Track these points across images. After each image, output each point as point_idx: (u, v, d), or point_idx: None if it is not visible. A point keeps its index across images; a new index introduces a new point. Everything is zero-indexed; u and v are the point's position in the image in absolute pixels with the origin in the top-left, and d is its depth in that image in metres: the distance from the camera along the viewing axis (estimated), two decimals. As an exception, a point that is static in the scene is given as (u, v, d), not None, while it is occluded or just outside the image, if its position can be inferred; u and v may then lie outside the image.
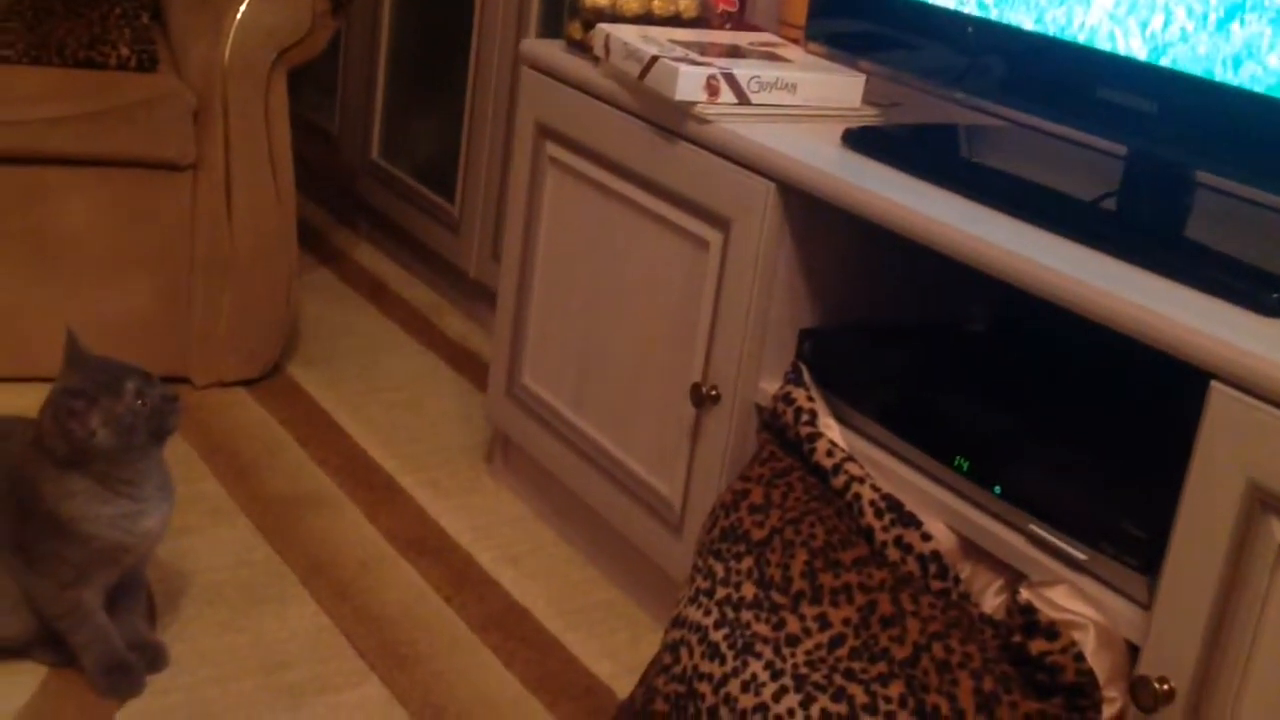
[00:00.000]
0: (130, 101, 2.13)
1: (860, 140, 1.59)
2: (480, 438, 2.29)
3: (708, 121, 1.63)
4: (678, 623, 1.46)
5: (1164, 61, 1.34)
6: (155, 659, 1.64)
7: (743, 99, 1.65)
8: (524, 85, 1.96)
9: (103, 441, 1.50)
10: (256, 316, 2.32)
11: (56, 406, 1.50)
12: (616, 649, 1.81)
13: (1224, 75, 1.29)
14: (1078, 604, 1.25)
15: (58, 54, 2.18)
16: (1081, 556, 1.28)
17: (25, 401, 1.69)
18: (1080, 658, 1.21)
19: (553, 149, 1.91)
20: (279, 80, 2.24)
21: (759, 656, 1.35)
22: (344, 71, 3.03)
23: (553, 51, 1.91)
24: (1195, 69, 1.31)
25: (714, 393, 1.65)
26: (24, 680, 1.59)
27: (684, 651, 1.42)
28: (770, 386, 1.62)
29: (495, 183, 2.56)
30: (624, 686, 1.72)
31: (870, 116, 1.73)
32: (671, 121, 1.68)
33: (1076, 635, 1.23)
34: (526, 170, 1.97)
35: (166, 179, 2.19)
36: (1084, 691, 1.21)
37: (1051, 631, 1.22)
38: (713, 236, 1.64)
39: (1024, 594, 1.26)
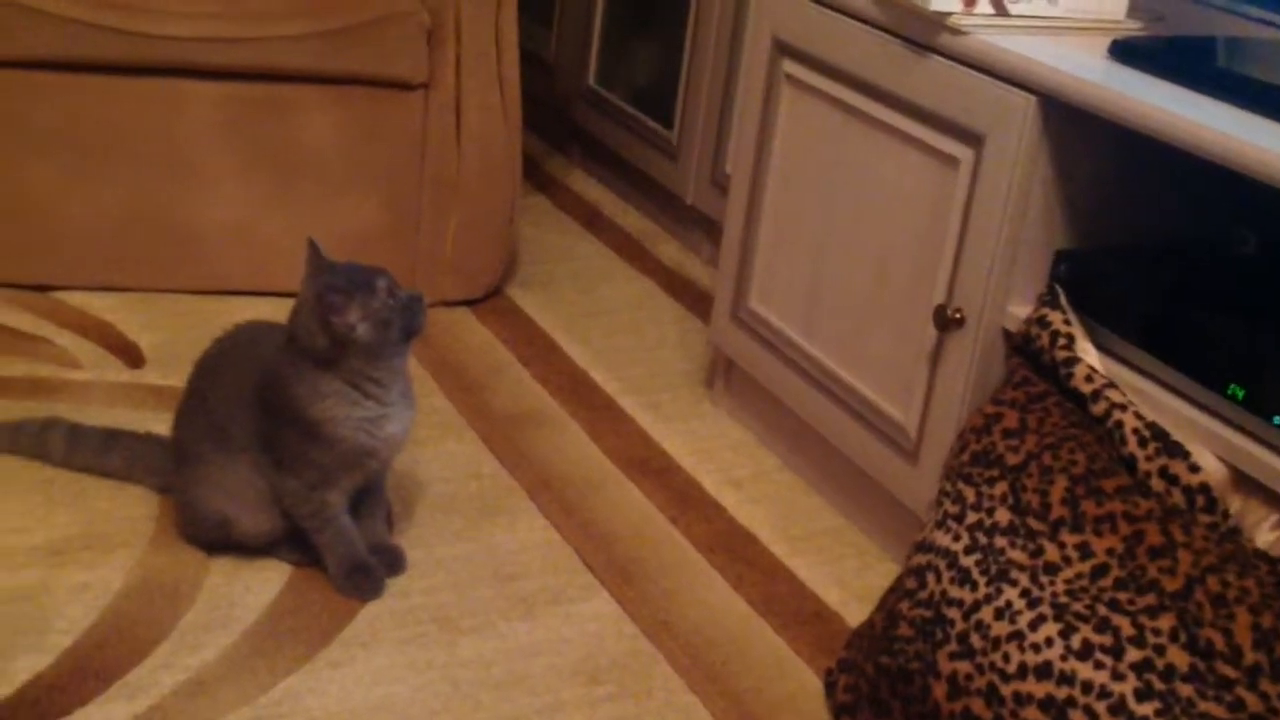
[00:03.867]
0: (366, 20, 2.16)
1: (1129, 52, 1.51)
2: (699, 363, 2.28)
3: (963, 33, 1.57)
4: (923, 547, 1.42)
5: None
6: (395, 563, 1.68)
7: (1000, 10, 1.58)
8: (760, 1, 1.92)
9: (362, 335, 1.53)
10: (480, 238, 2.34)
11: (317, 302, 1.53)
12: (844, 576, 1.78)
13: None
14: (1370, 541, 1.18)
15: (297, -27, 2.23)
16: (1374, 491, 1.20)
17: (261, 314, 1.74)
18: (1374, 597, 1.14)
19: (789, 66, 1.87)
20: (509, 1, 2.25)
21: (1014, 583, 1.30)
22: (562, -3, 3.03)
23: (792, -34, 1.87)
24: None
25: (959, 315, 1.60)
26: (270, 578, 1.64)
27: (930, 576, 1.39)
28: (1019, 310, 1.56)
29: (716, 108, 2.53)
30: (854, 613, 1.69)
31: (1135, 29, 1.64)
32: (923, 34, 1.62)
33: (1369, 573, 1.15)
34: (760, 89, 1.93)
35: (399, 98, 2.22)
36: (1377, 632, 1.14)
37: (1342, 568, 1.15)
38: (963, 154, 1.59)
39: (1312, 527, 1.19)
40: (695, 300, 2.50)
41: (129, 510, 1.73)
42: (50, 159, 2.15)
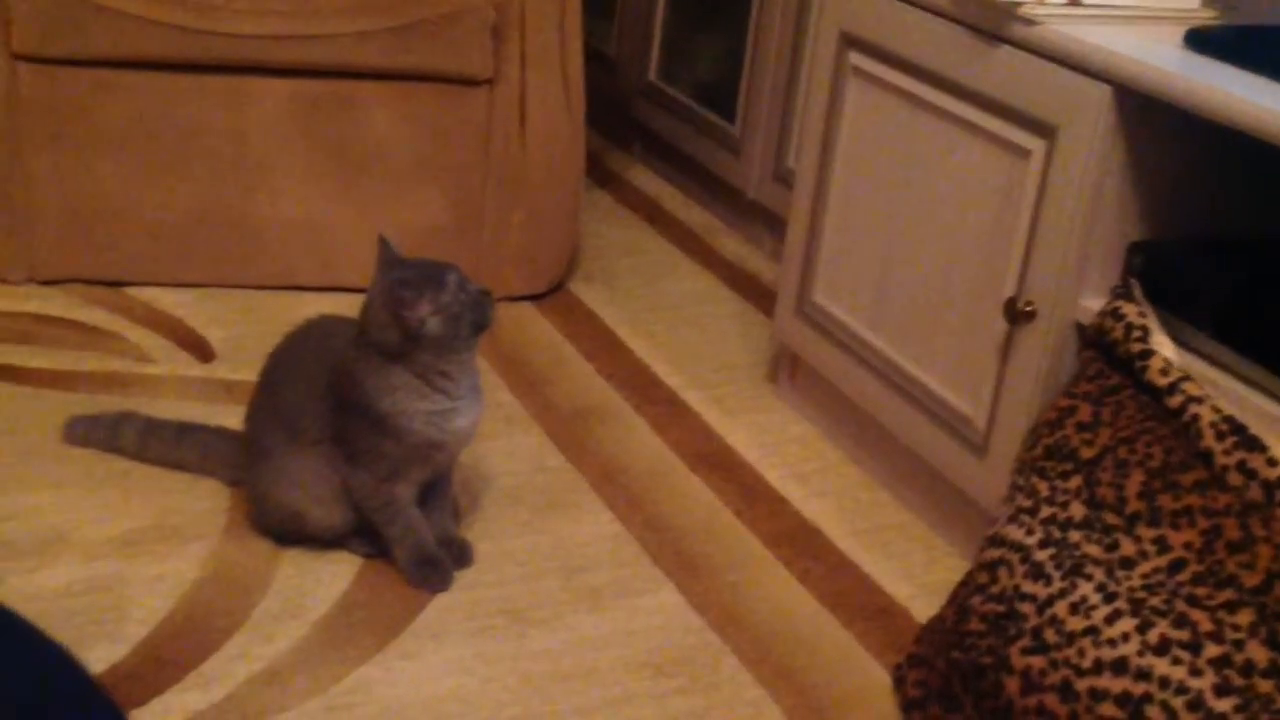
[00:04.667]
0: (432, 16, 2.17)
1: (1204, 41, 1.49)
2: (762, 357, 2.28)
3: (1035, 23, 1.56)
4: (995, 542, 1.41)
5: None
6: (462, 555, 1.69)
7: None
8: (828, -7, 1.91)
9: (433, 329, 1.54)
10: (544, 233, 2.35)
11: (388, 297, 1.54)
12: (912, 571, 1.77)
13: None
14: None
15: (363, -29, 2.24)
16: None
17: (328, 309, 1.74)
18: None
19: (856, 58, 1.86)
20: (574, -3, 2.26)
21: (1089, 578, 1.29)
22: (624, -8, 3.03)
23: (859, -42, 1.86)
24: None
25: (1029, 309, 1.59)
26: (341, 570, 1.66)
27: (1003, 571, 1.38)
28: (1092, 302, 1.54)
29: (779, 102, 2.52)
30: (921, 608, 1.68)
31: (1209, 18, 1.62)
32: (994, 24, 1.61)
33: None
34: (826, 82, 1.92)
35: (464, 94, 2.23)
36: None
37: None
38: (1035, 145, 1.57)
39: (1397, 522, 1.17)
40: (757, 294, 2.50)
41: (202, 502, 1.75)
42: (121, 157, 2.18)
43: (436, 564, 1.65)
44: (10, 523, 1.67)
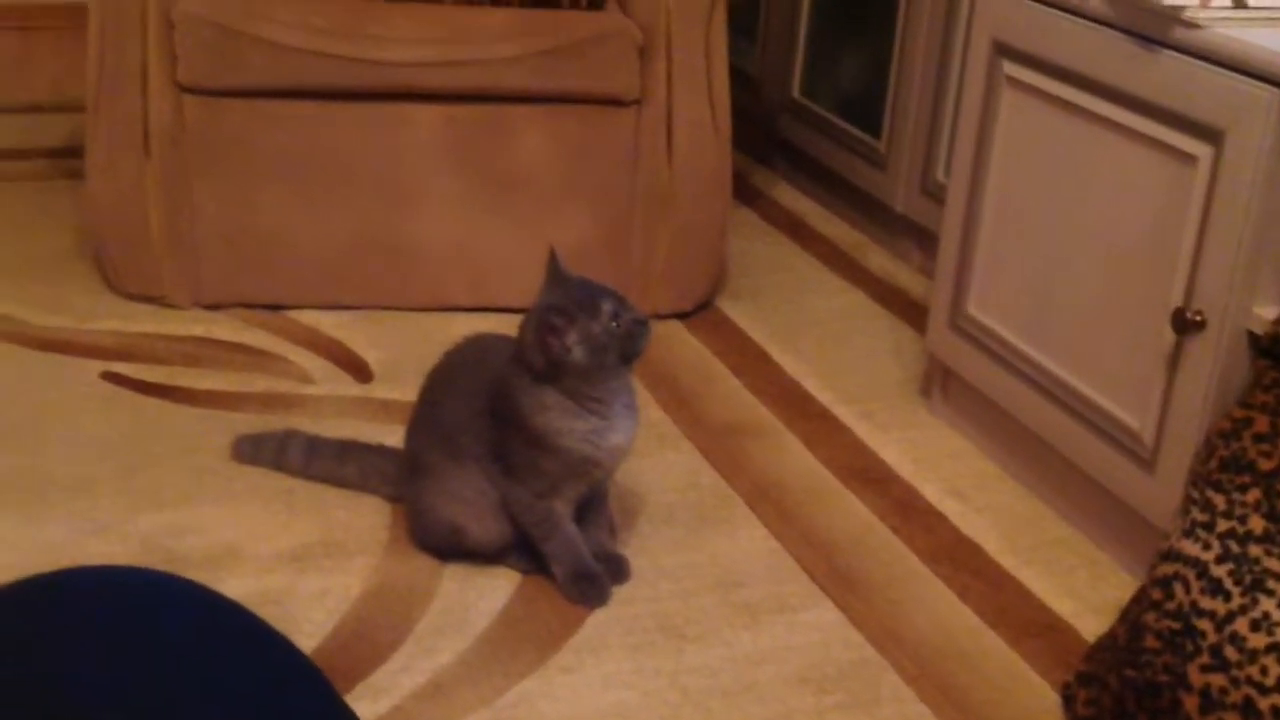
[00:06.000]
0: (580, 38, 2.20)
1: (1382, 38, 1.44)
2: (912, 372, 2.25)
3: (1199, 26, 1.52)
4: (1169, 557, 1.37)
5: None
6: (619, 571, 1.70)
7: (1239, 2, 1.53)
8: (980, 3, 1.89)
9: (577, 359, 1.55)
10: (692, 251, 2.36)
11: (538, 321, 1.56)
12: (1076, 587, 1.73)
13: None
14: None
15: (515, -5, 2.29)
16: None
17: (480, 329, 1.76)
18: None
19: (1010, 68, 1.83)
20: (719, 16, 2.26)
21: (1271, 594, 1.25)
22: (766, 10, 3.03)
23: (1011, -34, 1.84)
24: None
25: (1199, 318, 1.54)
26: (501, 585, 1.68)
27: (1178, 587, 1.34)
28: (1265, 310, 1.50)
29: (926, 115, 2.50)
30: (1088, 626, 1.64)
31: (1385, 15, 1.57)
32: (1155, 29, 1.58)
33: None
34: (979, 92, 1.90)
35: (612, 115, 2.25)
36: None
37: None
38: (1201, 150, 1.53)
39: None
40: (906, 309, 2.47)
41: (365, 519, 1.79)
42: (281, 184, 2.25)
43: (594, 579, 1.66)
44: (185, 538, 1.73)
